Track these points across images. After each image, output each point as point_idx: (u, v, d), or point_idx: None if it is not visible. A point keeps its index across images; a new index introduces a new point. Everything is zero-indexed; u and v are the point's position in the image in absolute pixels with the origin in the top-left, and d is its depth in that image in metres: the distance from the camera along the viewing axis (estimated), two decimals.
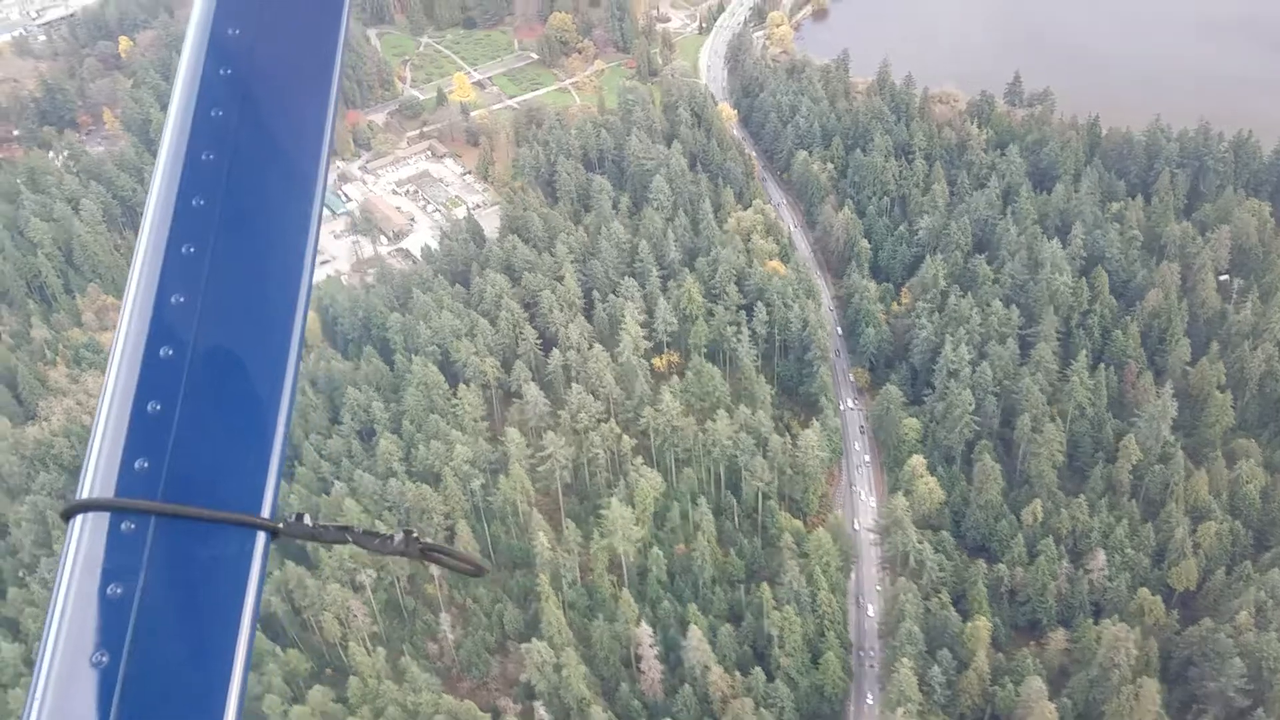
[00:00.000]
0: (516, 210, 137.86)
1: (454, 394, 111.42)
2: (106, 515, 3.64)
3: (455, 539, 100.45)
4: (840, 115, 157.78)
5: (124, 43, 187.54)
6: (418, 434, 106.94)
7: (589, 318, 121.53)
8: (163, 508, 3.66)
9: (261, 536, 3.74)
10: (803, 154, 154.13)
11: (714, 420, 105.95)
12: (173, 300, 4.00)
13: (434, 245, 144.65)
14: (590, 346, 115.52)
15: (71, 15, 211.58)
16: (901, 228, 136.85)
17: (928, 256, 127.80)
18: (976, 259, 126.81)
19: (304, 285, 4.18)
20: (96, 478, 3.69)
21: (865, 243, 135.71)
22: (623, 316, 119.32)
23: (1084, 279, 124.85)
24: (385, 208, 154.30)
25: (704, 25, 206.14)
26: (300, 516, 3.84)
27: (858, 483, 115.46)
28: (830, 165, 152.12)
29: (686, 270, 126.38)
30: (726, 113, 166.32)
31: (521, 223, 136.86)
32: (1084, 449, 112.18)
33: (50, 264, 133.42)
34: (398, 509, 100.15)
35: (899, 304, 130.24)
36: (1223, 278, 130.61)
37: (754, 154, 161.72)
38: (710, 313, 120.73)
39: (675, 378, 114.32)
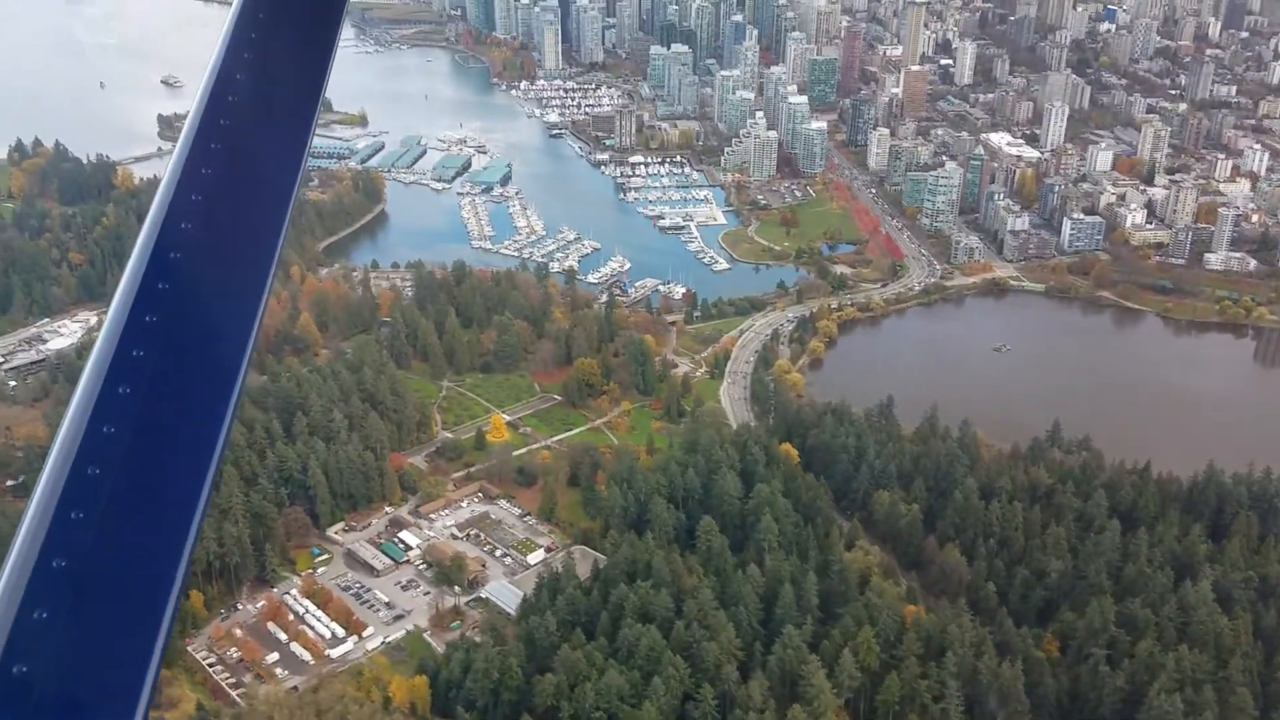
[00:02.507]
0: (637, 554, 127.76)
1: None
2: None
3: None
4: (916, 458, 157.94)
5: None
6: None
7: (763, 669, 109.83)
8: None
9: None
10: (884, 494, 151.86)
11: None
12: (54, 564, 4.13)
13: (516, 592, 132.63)
14: (785, 707, 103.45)
15: (43, 360, 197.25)
16: (1023, 570, 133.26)
17: (1093, 601, 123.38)
18: (1132, 602, 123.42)
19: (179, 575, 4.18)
20: None
21: (991, 586, 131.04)
22: (800, 670, 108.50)
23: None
24: (458, 555, 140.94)
25: (713, 371, 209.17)
26: None
27: None
28: (915, 506, 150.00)
29: (846, 616, 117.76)
30: (790, 453, 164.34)
31: (638, 567, 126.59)
32: None
33: None
34: None
35: (1044, 651, 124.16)
36: None
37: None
38: (894, 666, 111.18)
39: None
